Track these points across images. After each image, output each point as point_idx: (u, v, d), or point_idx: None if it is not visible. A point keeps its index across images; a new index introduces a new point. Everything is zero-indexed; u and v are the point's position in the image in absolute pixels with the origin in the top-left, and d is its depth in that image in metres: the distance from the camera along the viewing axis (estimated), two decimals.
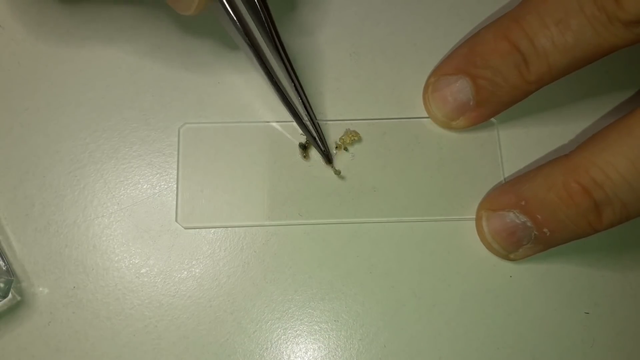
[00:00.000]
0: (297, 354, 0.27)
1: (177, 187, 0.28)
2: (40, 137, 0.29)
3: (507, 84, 0.26)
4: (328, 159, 0.28)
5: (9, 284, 0.26)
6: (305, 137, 0.28)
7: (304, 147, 0.28)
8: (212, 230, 0.28)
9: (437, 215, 0.28)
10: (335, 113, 0.29)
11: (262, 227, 0.28)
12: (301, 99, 0.27)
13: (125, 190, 0.28)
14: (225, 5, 0.24)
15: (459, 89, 0.27)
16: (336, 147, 0.29)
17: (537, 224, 0.25)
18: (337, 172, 0.28)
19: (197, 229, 0.28)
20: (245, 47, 0.25)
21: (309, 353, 0.27)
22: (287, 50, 0.26)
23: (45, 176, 0.28)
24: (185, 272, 0.27)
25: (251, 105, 0.29)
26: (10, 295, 0.26)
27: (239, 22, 0.25)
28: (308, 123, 0.28)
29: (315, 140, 0.28)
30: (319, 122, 0.28)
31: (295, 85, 0.27)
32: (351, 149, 0.29)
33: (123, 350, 0.26)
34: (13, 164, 0.28)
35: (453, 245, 0.28)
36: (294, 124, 0.28)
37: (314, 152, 0.29)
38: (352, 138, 0.28)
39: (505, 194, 0.26)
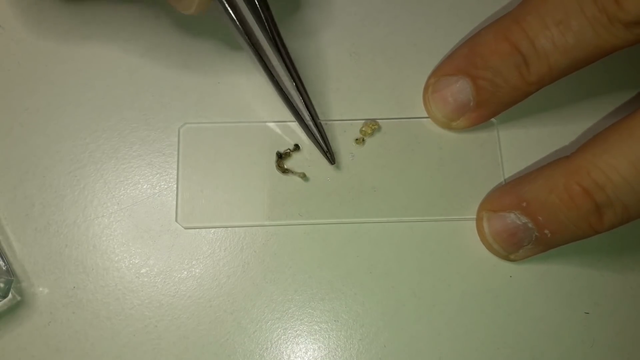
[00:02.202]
0: (297, 354, 0.27)
1: (177, 187, 0.28)
2: (40, 137, 0.29)
3: (507, 85, 0.26)
4: (331, 159, 0.28)
5: (9, 284, 0.26)
6: (293, 141, 0.28)
7: (279, 156, 0.28)
8: (212, 230, 0.28)
9: (437, 215, 0.28)
10: (335, 113, 0.29)
11: (262, 227, 0.28)
12: (303, 98, 0.27)
13: (125, 190, 0.28)
14: (225, 5, 0.24)
15: (459, 89, 0.27)
16: (356, 140, 0.29)
17: (538, 225, 0.25)
18: (302, 175, 0.28)
19: (197, 229, 0.28)
20: (245, 47, 0.25)
21: (309, 353, 0.27)
22: (289, 50, 0.26)
23: (45, 176, 0.28)
24: (185, 272, 0.27)
25: (251, 105, 0.29)
26: (10, 295, 0.26)
27: (239, 21, 0.25)
28: (310, 123, 0.28)
29: (317, 140, 0.28)
30: (322, 122, 0.28)
31: (296, 85, 0.27)
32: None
33: (123, 350, 0.26)
34: (13, 164, 0.28)
35: (453, 245, 0.28)
36: (294, 123, 0.28)
37: (293, 161, 0.28)
38: (372, 127, 0.28)
39: (506, 195, 0.26)
